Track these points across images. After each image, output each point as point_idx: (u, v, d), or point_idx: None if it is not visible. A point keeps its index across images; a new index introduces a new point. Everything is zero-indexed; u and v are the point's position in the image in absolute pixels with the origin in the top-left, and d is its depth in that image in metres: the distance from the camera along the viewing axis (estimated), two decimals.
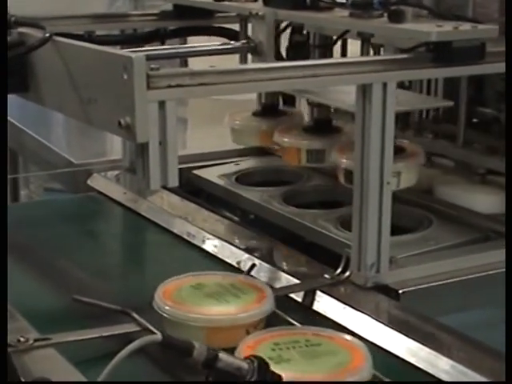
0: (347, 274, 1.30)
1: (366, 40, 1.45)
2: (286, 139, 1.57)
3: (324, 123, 1.61)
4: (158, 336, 0.94)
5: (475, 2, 1.47)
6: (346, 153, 1.40)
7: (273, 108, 1.75)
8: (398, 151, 1.35)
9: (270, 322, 1.17)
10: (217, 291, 1.21)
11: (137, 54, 1.07)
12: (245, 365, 0.93)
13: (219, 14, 1.75)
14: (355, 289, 1.29)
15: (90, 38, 1.65)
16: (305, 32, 1.65)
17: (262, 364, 0.94)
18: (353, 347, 1.09)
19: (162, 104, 1.08)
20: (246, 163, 1.87)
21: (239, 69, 1.18)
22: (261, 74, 1.16)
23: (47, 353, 1.09)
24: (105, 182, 1.84)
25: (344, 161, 1.40)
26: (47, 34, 1.21)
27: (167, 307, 1.16)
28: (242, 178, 1.79)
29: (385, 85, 1.22)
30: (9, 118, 2.48)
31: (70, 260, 1.47)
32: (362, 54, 1.46)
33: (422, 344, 1.13)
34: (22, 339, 1.09)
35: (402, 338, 1.15)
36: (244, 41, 1.58)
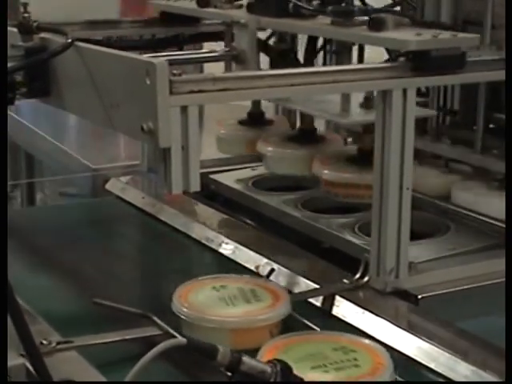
0: (366, 278, 1.31)
1: (348, 48, 1.43)
2: (269, 148, 1.56)
3: (308, 132, 1.58)
4: (183, 339, 0.94)
5: (494, 6, 1.47)
6: (328, 164, 1.38)
7: (259, 116, 1.74)
8: None
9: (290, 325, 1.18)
10: (234, 294, 1.22)
11: (159, 59, 1.08)
12: (268, 368, 0.94)
13: (206, 21, 1.71)
14: (374, 294, 1.29)
15: (108, 42, 1.66)
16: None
17: (285, 367, 0.94)
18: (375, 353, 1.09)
19: (184, 109, 1.09)
20: (263, 168, 1.88)
21: (261, 74, 1.18)
22: (282, 80, 1.17)
23: (70, 355, 1.10)
24: (123, 186, 1.85)
25: (326, 172, 1.37)
26: (69, 40, 1.22)
27: (185, 309, 1.17)
28: (259, 182, 1.79)
29: (405, 91, 1.23)
30: (24, 122, 2.51)
31: (89, 264, 1.48)
32: (341, 62, 1.44)
33: (442, 349, 1.13)
34: (44, 342, 1.10)
35: (421, 343, 1.16)
36: (227, 49, 1.51)
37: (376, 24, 1.29)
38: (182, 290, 1.23)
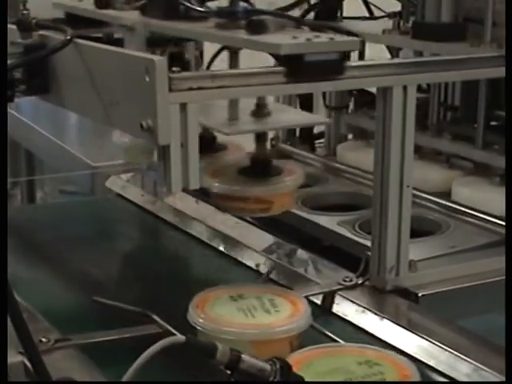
0: (366, 277, 1.30)
1: (234, 52, 1.35)
2: None
3: (207, 141, 1.43)
4: (182, 337, 0.94)
5: (495, 4, 1.47)
6: (218, 175, 1.30)
7: None
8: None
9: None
10: (252, 305, 1.18)
11: (158, 56, 1.08)
12: (267, 366, 0.93)
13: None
14: (374, 292, 1.29)
15: (108, 39, 1.65)
16: None
17: (285, 365, 0.94)
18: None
19: (183, 106, 1.08)
20: None
21: (260, 71, 1.17)
22: (282, 77, 1.16)
23: (68, 353, 1.10)
24: (123, 184, 1.85)
25: (215, 184, 1.29)
26: (68, 37, 1.21)
27: (202, 320, 1.13)
28: None
29: (405, 88, 1.22)
30: (24, 119, 2.51)
31: (89, 262, 1.48)
32: (231, 66, 1.34)
33: (442, 347, 1.13)
34: (43, 340, 1.10)
35: (421, 341, 1.15)
36: None
37: (255, 26, 1.21)
38: (198, 300, 1.18)
